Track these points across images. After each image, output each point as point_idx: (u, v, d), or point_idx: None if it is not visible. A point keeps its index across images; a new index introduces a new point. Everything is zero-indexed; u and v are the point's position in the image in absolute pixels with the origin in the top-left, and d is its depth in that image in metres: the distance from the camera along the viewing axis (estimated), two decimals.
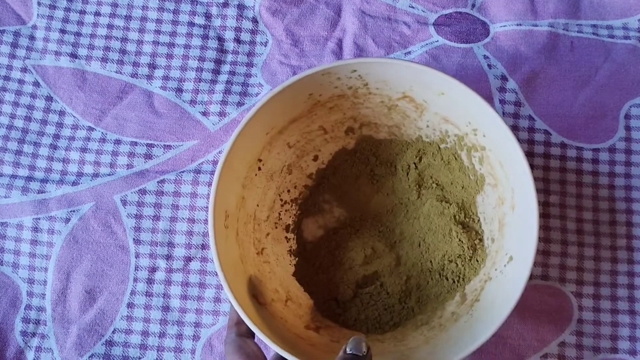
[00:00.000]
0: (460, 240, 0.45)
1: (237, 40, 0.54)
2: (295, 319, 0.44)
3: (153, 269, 0.50)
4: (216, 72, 0.53)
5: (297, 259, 0.48)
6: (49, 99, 0.53)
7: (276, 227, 0.48)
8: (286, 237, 0.49)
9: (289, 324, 0.43)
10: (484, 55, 0.53)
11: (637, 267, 0.48)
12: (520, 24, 0.53)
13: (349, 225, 0.49)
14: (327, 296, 0.47)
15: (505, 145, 0.41)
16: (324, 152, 0.49)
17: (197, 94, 0.53)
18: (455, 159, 0.47)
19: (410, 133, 0.48)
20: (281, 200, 0.49)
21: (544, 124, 0.51)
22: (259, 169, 0.46)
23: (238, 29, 0.54)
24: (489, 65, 0.52)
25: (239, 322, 0.40)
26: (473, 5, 0.54)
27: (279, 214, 0.48)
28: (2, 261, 0.50)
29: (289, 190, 0.49)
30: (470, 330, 0.40)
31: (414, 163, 0.49)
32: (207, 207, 0.50)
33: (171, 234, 0.50)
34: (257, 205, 0.46)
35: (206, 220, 0.50)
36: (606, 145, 0.51)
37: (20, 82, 0.53)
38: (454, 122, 0.45)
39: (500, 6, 0.54)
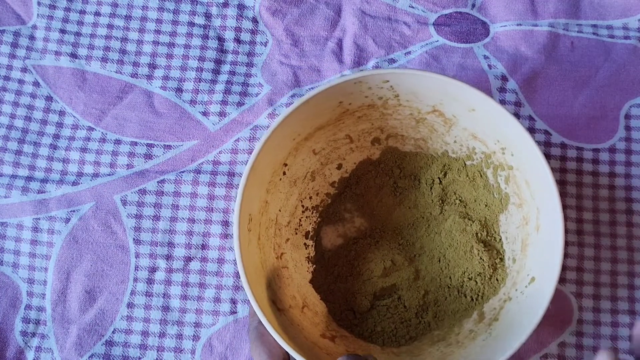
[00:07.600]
0: (481, 258, 0.45)
1: (237, 40, 0.54)
2: (312, 326, 0.44)
3: (153, 269, 0.50)
4: (216, 72, 0.53)
5: (314, 266, 0.48)
6: (49, 99, 0.53)
7: (296, 233, 0.48)
8: (305, 244, 0.48)
9: (305, 331, 0.42)
10: (484, 55, 0.53)
11: (637, 268, 0.48)
12: (520, 24, 0.53)
13: (369, 235, 0.49)
14: (344, 306, 0.47)
15: (533, 165, 0.40)
16: (348, 161, 0.49)
17: (197, 94, 0.53)
18: (481, 176, 0.47)
19: (436, 147, 0.48)
20: (303, 206, 0.48)
21: (544, 124, 0.51)
22: (284, 173, 0.46)
23: (238, 29, 0.54)
24: (489, 65, 0.52)
25: None
26: (473, 5, 0.54)
27: (300, 220, 0.48)
28: (2, 261, 0.50)
29: (310, 197, 0.49)
30: (488, 349, 0.39)
31: (439, 178, 0.48)
32: (207, 207, 0.50)
33: (171, 234, 0.50)
34: (279, 211, 0.46)
35: (206, 220, 0.50)
36: (606, 146, 0.51)
37: (20, 82, 0.53)
38: (482, 139, 0.45)
39: (500, 6, 0.54)
